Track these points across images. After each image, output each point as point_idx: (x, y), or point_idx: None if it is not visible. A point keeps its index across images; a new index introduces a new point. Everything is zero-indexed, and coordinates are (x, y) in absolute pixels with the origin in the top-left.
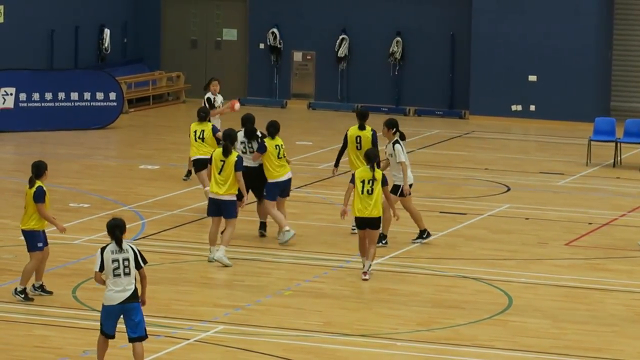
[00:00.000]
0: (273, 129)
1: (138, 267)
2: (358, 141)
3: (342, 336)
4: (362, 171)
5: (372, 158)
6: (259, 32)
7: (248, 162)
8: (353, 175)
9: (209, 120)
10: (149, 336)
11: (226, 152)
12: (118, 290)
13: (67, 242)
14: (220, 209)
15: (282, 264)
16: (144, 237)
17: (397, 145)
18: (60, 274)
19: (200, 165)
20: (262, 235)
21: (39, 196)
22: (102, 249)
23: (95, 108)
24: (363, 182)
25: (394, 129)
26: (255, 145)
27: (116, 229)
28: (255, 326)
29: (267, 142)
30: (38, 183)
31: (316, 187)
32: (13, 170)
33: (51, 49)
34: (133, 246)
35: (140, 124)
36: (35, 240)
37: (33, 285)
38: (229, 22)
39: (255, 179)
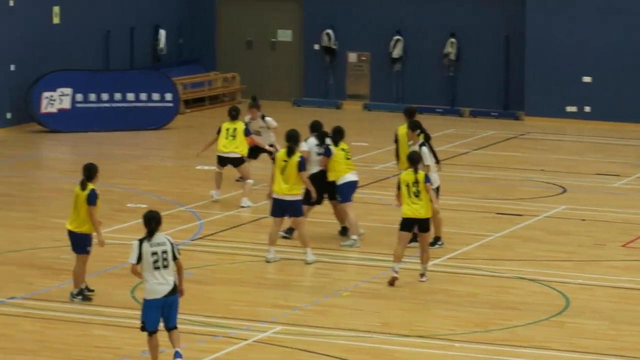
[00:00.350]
0: (339, 136)
1: (174, 258)
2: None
3: (400, 337)
4: (406, 175)
5: (414, 161)
6: (314, 33)
7: (317, 167)
8: (399, 181)
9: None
10: (208, 336)
11: (290, 153)
12: (160, 283)
13: (125, 242)
14: (284, 210)
15: (340, 264)
16: (201, 238)
17: (423, 148)
18: (118, 274)
19: (223, 162)
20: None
21: (93, 199)
22: (140, 242)
23: (151, 109)
24: (408, 185)
25: (419, 131)
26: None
27: (152, 220)
28: (314, 327)
29: (333, 146)
30: (91, 186)
31: (373, 188)
32: (69, 171)
33: (107, 49)
34: (169, 237)
35: (196, 124)
36: (86, 244)
37: (71, 292)
38: (284, 23)
39: (323, 184)
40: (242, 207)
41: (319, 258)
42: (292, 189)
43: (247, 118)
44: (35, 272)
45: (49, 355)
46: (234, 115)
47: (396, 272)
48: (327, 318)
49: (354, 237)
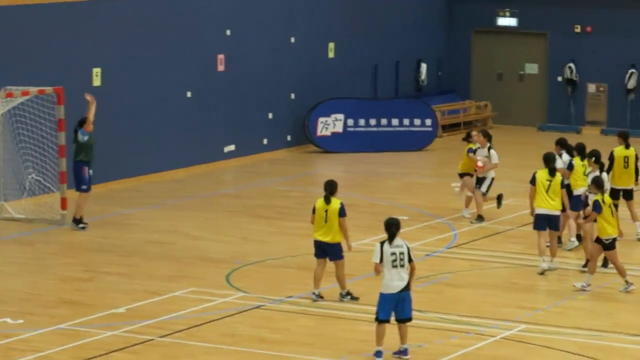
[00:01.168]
0: (583, 152)
1: (410, 260)
2: (625, 160)
3: (631, 336)
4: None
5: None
6: (557, 66)
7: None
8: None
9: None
10: (461, 333)
11: (552, 173)
12: (396, 280)
13: None
14: (549, 222)
15: (578, 272)
16: (455, 246)
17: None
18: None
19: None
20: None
21: (344, 211)
22: (382, 244)
23: (413, 133)
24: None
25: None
26: None
27: (392, 226)
28: (553, 326)
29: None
30: (336, 199)
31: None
32: (341, 187)
33: (375, 80)
34: (406, 242)
35: (452, 146)
36: (340, 251)
37: (340, 294)
38: (530, 57)
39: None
40: (465, 216)
41: (560, 266)
42: (557, 205)
43: (477, 144)
44: (310, 275)
45: (322, 347)
46: (465, 137)
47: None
48: (565, 318)
49: (573, 239)
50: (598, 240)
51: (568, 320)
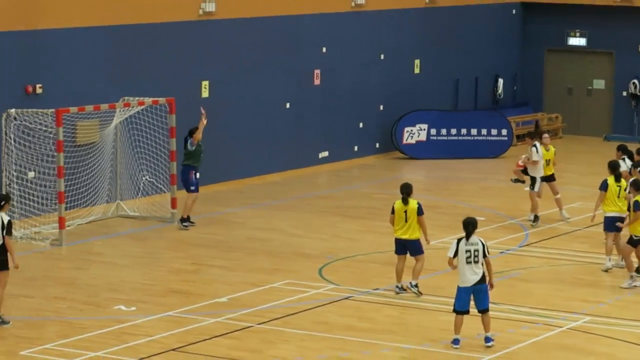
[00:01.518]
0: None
1: (484, 256)
2: None
3: None
4: (610, 179)
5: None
6: (623, 82)
7: None
8: (605, 182)
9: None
10: (530, 324)
11: (618, 179)
12: (469, 274)
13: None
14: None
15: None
16: (527, 245)
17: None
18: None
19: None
20: None
21: (422, 209)
22: (458, 240)
23: (490, 141)
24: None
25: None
26: None
27: (469, 225)
28: (616, 318)
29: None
30: (413, 200)
31: None
32: (425, 190)
33: (456, 94)
34: (482, 239)
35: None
36: (421, 246)
37: (410, 283)
38: (598, 73)
39: None
40: (567, 218)
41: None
42: (625, 209)
43: (536, 145)
44: (394, 269)
45: (406, 335)
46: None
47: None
48: (627, 311)
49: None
50: (630, 239)
51: (629, 313)
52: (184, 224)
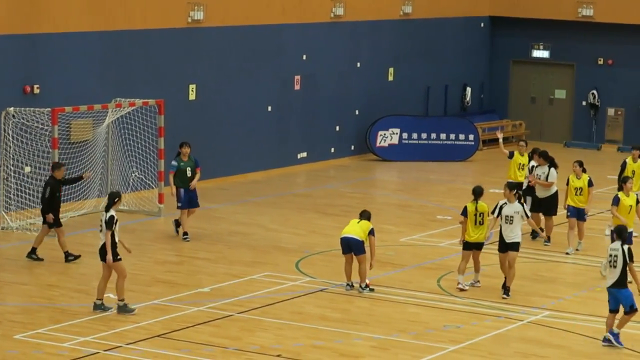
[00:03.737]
0: None
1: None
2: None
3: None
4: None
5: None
6: (582, 92)
7: None
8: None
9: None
10: (492, 317)
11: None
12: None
13: (433, 244)
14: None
15: (596, 267)
16: (491, 243)
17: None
18: (428, 268)
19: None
20: None
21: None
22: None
23: (458, 146)
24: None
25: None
26: None
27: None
28: (574, 313)
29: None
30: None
31: None
32: (397, 190)
33: (427, 101)
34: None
35: (491, 158)
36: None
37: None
38: (560, 84)
39: None
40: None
41: (578, 262)
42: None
43: (534, 162)
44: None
45: (376, 325)
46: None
47: None
48: (584, 307)
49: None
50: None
51: (586, 309)
52: (184, 237)
